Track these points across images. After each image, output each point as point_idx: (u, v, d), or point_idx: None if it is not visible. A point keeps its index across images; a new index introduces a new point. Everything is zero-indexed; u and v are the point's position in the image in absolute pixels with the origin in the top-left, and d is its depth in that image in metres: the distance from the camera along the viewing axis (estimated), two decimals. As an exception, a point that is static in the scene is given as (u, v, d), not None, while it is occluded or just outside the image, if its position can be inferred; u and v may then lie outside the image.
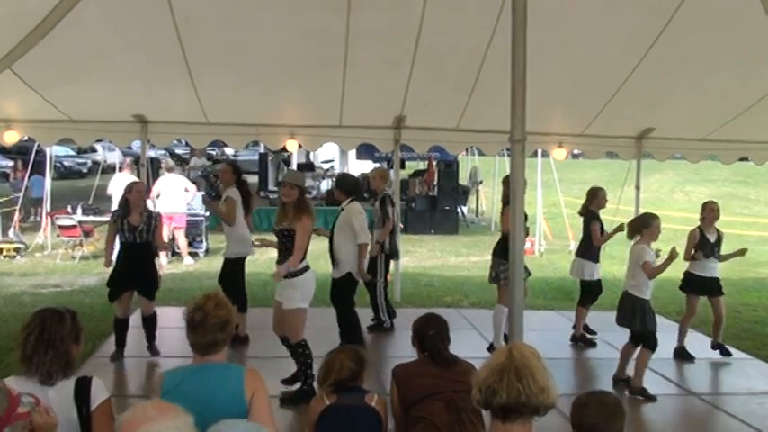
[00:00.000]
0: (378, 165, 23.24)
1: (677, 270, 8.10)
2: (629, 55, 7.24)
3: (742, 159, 10.63)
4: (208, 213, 14.25)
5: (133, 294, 7.55)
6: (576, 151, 11.46)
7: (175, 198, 13.88)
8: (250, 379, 3.34)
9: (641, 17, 6.54)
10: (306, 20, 6.59)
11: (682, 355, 8.25)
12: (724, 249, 8.40)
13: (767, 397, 7.11)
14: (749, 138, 9.47)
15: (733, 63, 7.26)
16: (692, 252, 8.23)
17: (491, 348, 7.89)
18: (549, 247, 16.74)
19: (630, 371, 7.12)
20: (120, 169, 15.58)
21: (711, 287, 8.23)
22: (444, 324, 4.42)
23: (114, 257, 7.76)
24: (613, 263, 11.47)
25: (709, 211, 8.24)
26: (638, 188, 10.32)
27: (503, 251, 7.65)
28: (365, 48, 7.04)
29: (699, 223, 8.31)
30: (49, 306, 3.39)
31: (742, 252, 8.42)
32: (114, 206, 13.39)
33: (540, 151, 12.66)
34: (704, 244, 8.17)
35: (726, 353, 8.35)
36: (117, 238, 7.50)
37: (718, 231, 8.29)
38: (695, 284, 8.21)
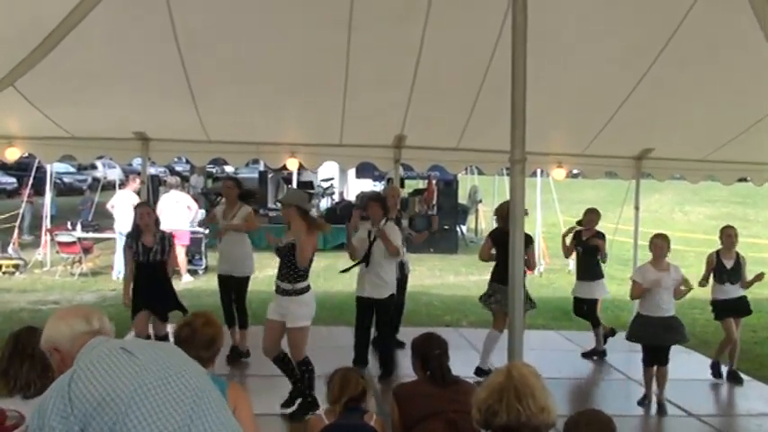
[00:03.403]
0: (375, 183, 23.39)
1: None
2: (629, 75, 7.27)
3: (741, 180, 10.65)
4: (207, 231, 14.26)
5: (149, 315, 7.53)
6: (575, 171, 11.48)
7: (179, 215, 13.90)
8: (233, 392, 3.34)
9: (641, 38, 6.57)
10: (307, 38, 6.62)
11: (734, 378, 8.27)
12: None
13: (765, 418, 7.10)
14: (748, 158, 9.48)
15: (732, 84, 7.29)
16: (700, 281, 8.25)
17: (479, 372, 7.82)
18: (549, 266, 16.74)
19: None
20: (122, 186, 15.61)
21: (739, 307, 8.26)
22: (446, 344, 4.43)
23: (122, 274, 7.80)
24: (612, 282, 11.46)
25: (726, 237, 8.28)
26: (637, 208, 10.34)
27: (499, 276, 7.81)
28: (366, 67, 7.06)
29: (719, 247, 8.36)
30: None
31: (760, 277, 8.39)
32: (116, 222, 13.50)
33: (539, 171, 12.69)
34: (720, 269, 8.18)
35: (738, 381, 8.32)
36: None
37: (738, 257, 8.28)
38: (724, 309, 8.21)
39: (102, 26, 6.06)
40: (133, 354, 2.32)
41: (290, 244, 6.40)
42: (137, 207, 7.94)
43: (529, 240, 8.09)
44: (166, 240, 7.56)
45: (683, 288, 7.27)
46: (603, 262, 9.13)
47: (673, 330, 7.13)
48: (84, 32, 5.99)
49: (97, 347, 2.37)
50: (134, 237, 7.53)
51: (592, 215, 9.17)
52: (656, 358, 7.18)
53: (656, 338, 7.11)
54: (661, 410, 7.17)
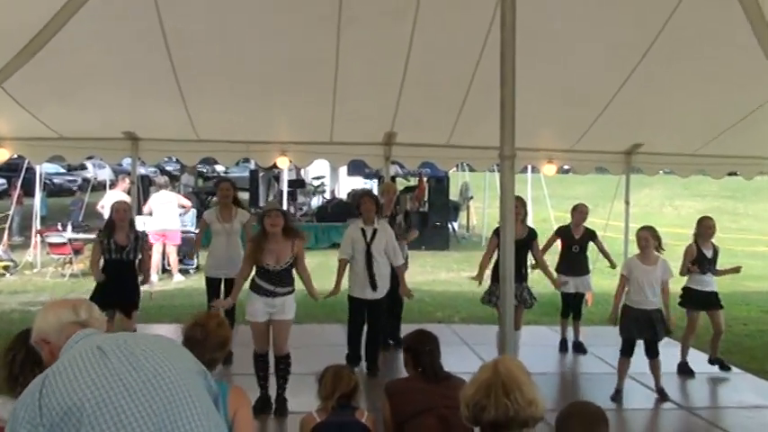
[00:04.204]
0: (366, 181, 23.38)
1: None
2: (618, 71, 7.30)
3: (731, 174, 10.68)
4: (198, 230, 14.23)
5: (116, 314, 7.46)
6: (565, 167, 11.50)
7: (169, 215, 13.84)
8: (234, 397, 3.32)
9: (629, 33, 6.60)
10: (296, 36, 6.62)
11: (684, 371, 8.26)
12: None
13: (757, 410, 7.15)
14: (738, 153, 9.52)
15: (721, 78, 7.32)
16: (689, 267, 8.27)
17: None
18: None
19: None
20: (112, 186, 15.54)
21: (710, 301, 8.28)
22: (437, 340, 4.44)
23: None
24: (603, 277, 11.49)
25: (706, 227, 8.29)
26: (627, 203, 10.37)
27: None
28: (356, 64, 7.07)
29: (693, 238, 8.36)
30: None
31: (737, 269, 8.44)
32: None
33: (529, 167, 12.71)
34: (701, 259, 8.22)
35: (724, 367, 8.37)
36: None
37: (714, 246, 8.34)
38: (694, 299, 8.25)
39: (90, 26, 6.04)
40: (107, 355, 2.25)
41: (291, 263, 6.49)
42: (114, 203, 7.89)
43: (533, 235, 8.08)
44: (140, 241, 7.52)
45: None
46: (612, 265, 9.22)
47: (657, 323, 7.18)
48: (71, 32, 5.97)
49: (77, 344, 2.34)
50: (107, 234, 7.48)
51: (580, 207, 9.15)
52: (646, 352, 7.26)
53: (643, 333, 7.17)
54: (663, 396, 7.27)
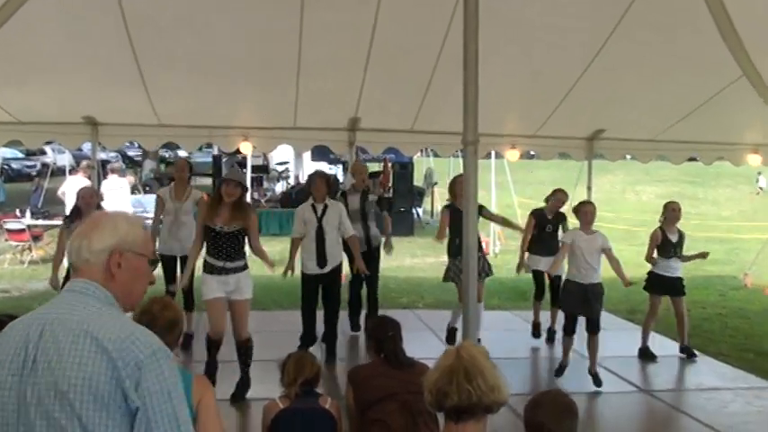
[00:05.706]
0: (331, 167, 23.30)
1: (630, 269, 8.19)
2: (580, 57, 7.33)
3: (691, 159, 10.81)
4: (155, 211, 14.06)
5: None
6: (531, 152, 11.57)
7: (120, 201, 13.61)
8: (197, 386, 3.29)
9: (592, 19, 6.63)
10: (259, 21, 6.55)
11: (645, 355, 8.36)
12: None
13: (715, 392, 7.28)
14: (698, 138, 9.63)
15: (681, 65, 7.39)
16: (651, 259, 8.36)
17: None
18: (504, 247, 16.88)
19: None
20: (72, 172, 15.29)
21: (675, 287, 8.38)
22: (399, 326, 4.44)
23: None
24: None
25: (671, 211, 8.38)
26: (589, 188, 10.45)
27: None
28: (319, 49, 7.01)
29: (659, 223, 8.45)
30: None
31: (704, 255, 8.52)
32: (68, 209, 13.23)
33: (493, 153, 12.76)
34: (666, 244, 8.31)
35: (691, 355, 8.45)
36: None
37: (679, 231, 8.43)
38: (659, 285, 8.34)
39: (48, 8, 5.92)
40: (42, 337, 2.07)
41: (241, 228, 6.46)
42: (80, 189, 7.80)
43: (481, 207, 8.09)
44: None
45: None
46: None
47: (596, 298, 7.28)
48: (28, 14, 5.82)
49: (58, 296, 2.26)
50: (72, 220, 7.37)
51: (559, 194, 9.10)
52: (587, 327, 7.34)
53: (579, 308, 7.28)
54: (596, 382, 7.29)
